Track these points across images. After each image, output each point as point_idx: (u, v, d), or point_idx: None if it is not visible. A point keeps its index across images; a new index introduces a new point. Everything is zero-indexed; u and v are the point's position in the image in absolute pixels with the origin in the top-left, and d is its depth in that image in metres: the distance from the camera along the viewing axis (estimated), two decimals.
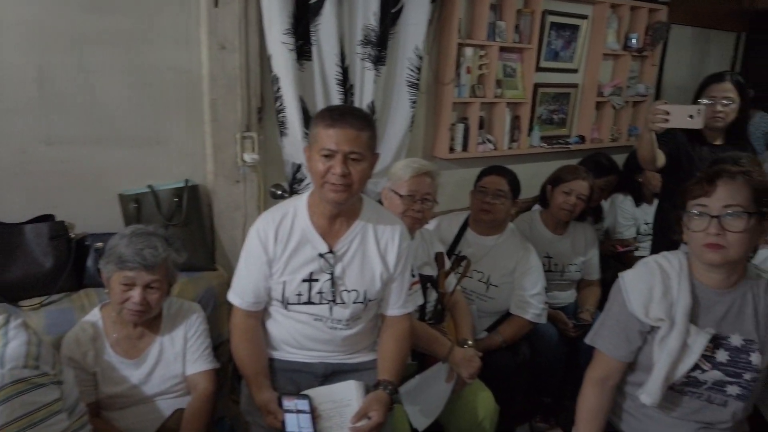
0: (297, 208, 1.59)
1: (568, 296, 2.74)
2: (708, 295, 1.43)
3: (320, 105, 2.33)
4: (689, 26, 4.04)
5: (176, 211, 2.09)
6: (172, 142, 2.14)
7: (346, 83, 2.40)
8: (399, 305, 1.67)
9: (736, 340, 1.41)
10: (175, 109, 2.12)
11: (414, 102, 2.58)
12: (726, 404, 1.44)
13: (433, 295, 2.03)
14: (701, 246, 1.38)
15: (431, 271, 2.08)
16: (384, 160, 2.61)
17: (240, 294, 1.63)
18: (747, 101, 2.51)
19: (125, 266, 1.56)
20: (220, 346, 1.96)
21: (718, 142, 2.49)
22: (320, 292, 1.58)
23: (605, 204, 3.18)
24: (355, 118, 1.46)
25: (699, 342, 1.39)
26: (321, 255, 1.56)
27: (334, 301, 1.58)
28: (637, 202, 3.12)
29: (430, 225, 2.46)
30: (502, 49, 3.03)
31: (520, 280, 2.31)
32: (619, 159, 3.69)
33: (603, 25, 3.40)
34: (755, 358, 1.40)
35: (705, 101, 2.46)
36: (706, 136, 2.44)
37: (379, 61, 2.46)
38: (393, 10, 2.46)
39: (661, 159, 2.34)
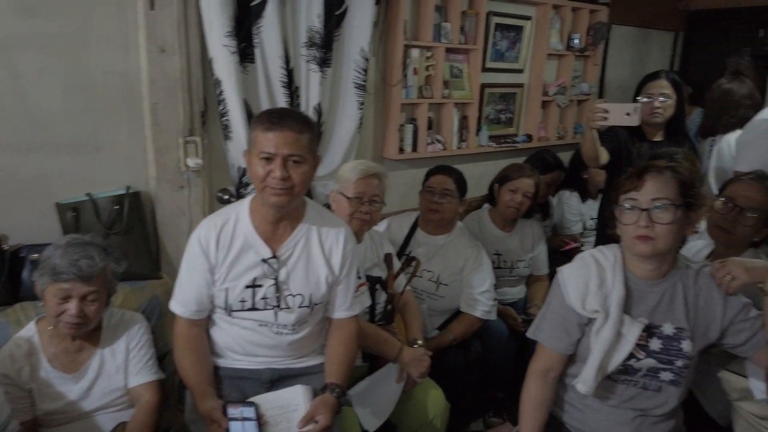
0: (239, 214, 1.58)
1: (517, 292, 2.80)
2: (640, 286, 1.49)
3: (265, 108, 2.30)
4: (629, 26, 4.18)
5: (117, 219, 2.03)
6: (112, 148, 2.08)
7: (291, 85, 2.39)
8: (345, 308, 1.67)
9: (668, 329, 1.47)
10: (113, 114, 2.06)
11: (362, 103, 2.59)
12: (660, 390, 1.50)
13: (382, 297, 2.04)
14: (632, 238, 1.43)
15: (381, 272, 2.09)
16: (333, 162, 2.61)
17: (182, 302, 1.59)
18: (683, 98, 2.61)
19: (60, 278, 1.50)
20: (166, 356, 1.92)
21: (657, 138, 2.59)
22: (264, 298, 1.56)
23: (553, 200, 3.26)
24: (294, 121, 1.45)
25: (633, 331, 1.44)
26: (264, 260, 1.55)
27: (278, 306, 1.57)
28: (583, 198, 3.21)
29: (381, 226, 2.48)
30: (448, 50, 3.06)
31: (469, 278, 2.34)
32: (566, 156, 3.79)
33: (546, 26, 3.48)
34: (686, 345, 1.46)
35: (643, 99, 2.56)
36: (646, 132, 2.53)
37: (324, 63, 2.45)
38: (337, 12, 2.46)
39: (603, 156, 2.41)
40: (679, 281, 1.49)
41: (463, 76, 3.21)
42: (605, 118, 2.16)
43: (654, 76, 2.59)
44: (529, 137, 3.67)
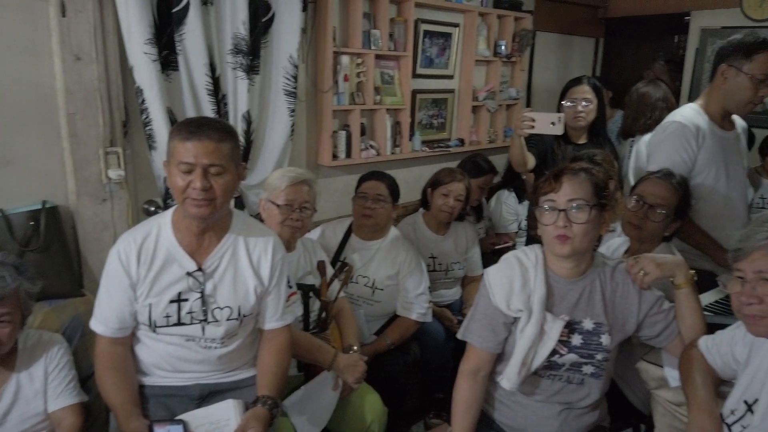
0: (161, 227, 1.53)
1: (453, 294, 2.85)
2: (561, 284, 1.54)
3: (191, 116, 2.25)
4: (553, 33, 4.35)
5: (33, 236, 1.93)
6: (25, 161, 1.98)
7: (218, 93, 2.35)
8: (276, 318, 1.64)
9: (588, 324, 1.53)
10: (25, 126, 1.96)
11: (292, 110, 2.57)
12: (583, 383, 1.56)
13: (316, 304, 2.03)
14: (552, 238, 1.48)
15: (314, 280, 2.07)
16: (265, 170, 2.58)
17: (103, 321, 1.53)
18: (603, 102, 2.75)
19: None
20: (91, 377, 1.84)
21: (581, 141, 2.70)
22: (190, 312, 1.52)
23: (491, 201, 3.33)
24: (214, 130, 1.42)
25: (555, 328, 1.49)
26: (189, 273, 1.50)
27: (206, 320, 1.53)
28: (520, 198, 3.30)
29: (314, 233, 2.46)
30: (379, 57, 3.09)
31: (404, 282, 2.36)
32: (498, 159, 3.90)
33: (473, 33, 3.57)
34: (605, 339, 1.52)
35: (567, 103, 2.67)
36: (570, 135, 2.64)
37: (252, 70, 2.42)
38: (264, 19, 2.44)
39: (531, 161, 2.50)
40: (597, 278, 1.55)
41: (395, 82, 3.24)
42: (532, 126, 2.26)
43: (576, 81, 2.71)
44: (462, 141, 3.75)
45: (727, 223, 2.06)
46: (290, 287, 1.68)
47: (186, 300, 1.51)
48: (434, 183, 2.72)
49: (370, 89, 3.06)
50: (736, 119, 2.19)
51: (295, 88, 2.55)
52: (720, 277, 2.01)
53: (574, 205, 1.45)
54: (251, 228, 1.61)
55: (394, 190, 2.42)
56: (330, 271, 2.15)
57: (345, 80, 2.93)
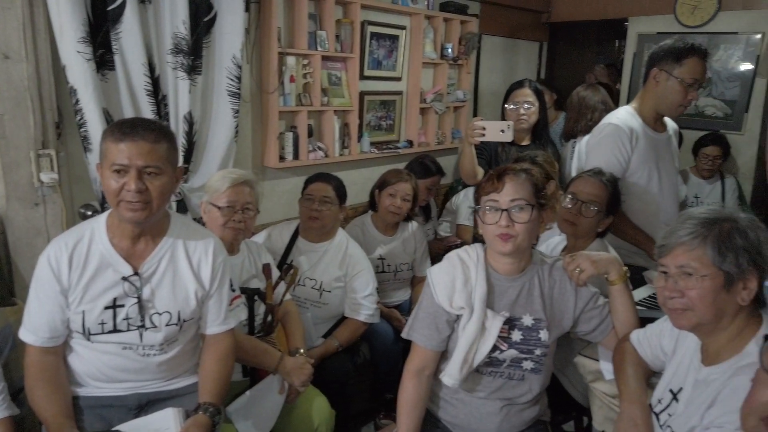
0: (94, 231, 1.48)
1: (402, 294, 2.87)
2: (501, 281, 1.58)
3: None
4: (498, 37, 4.43)
5: None
6: None
7: (157, 94, 2.29)
8: (219, 322, 1.61)
9: (527, 320, 1.57)
10: None
11: (236, 111, 2.53)
12: (523, 379, 1.60)
13: (261, 308, 2.01)
14: (494, 237, 1.51)
15: (259, 283, 2.05)
16: (209, 172, 2.52)
17: (33, 330, 1.47)
18: (544, 104, 2.83)
19: None
20: (23, 390, 1.75)
21: (525, 143, 2.78)
22: (127, 319, 1.48)
23: (460, 195, 3.34)
24: (148, 130, 1.38)
25: (495, 325, 1.52)
26: (125, 278, 1.46)
27: (143, 326, 1.49)
28: None
29: (260, 236, 2.44)
30: (325, 58, 3.08)
31: (351, 284, 2.36)
32: (446, 160, 3.96)
33: (420, 36, 3.60)
34: (543, 335, 1.57)
35: (510, 106, 2.74)
36: (514, 137, 2.70)
37: (194, 70, 2.37)
38: (206, 19, 2.39)
39: (480, 172, 2.55)
40: (536, 275, 1.59)
41: (342, 83, 3.24)
42: (483, 135, 2.32)
43: (519, 84, 2.79)
44: (410, 143, 3.78)
45: (660, 220, 2.16)
46: (233, 291, 1.65)
47: (122, 306, 1.47)
48: (381, 184, 2.74)
49: (317, 90, 3.04)
50: (668, 121, 2.29)
51: (238, 88, 2.51)
52: (646, 273, 2.10)
53: (516, 205, 1.49)
54: (190, 231, 1.57)
55: (341, 192, 2.42)
56: (276, 273, 2.13)
57: (291, 81, 2.90)
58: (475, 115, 4.33)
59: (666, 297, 1.26)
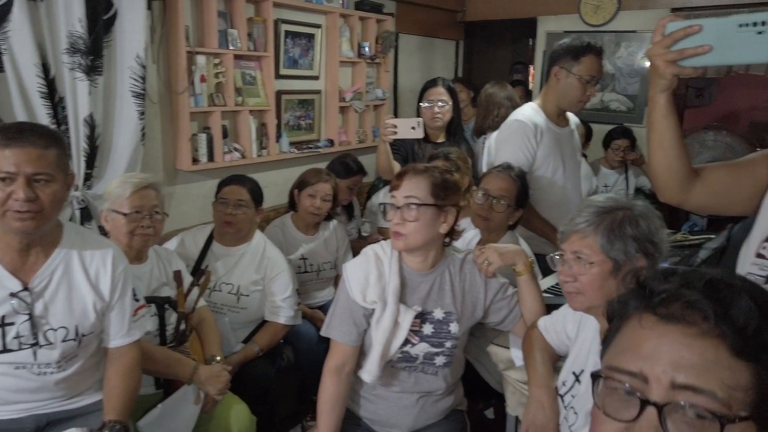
0: None
1: (326, 294, 2.85)
2: (413, 276, 1.60)
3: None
4: (415, 35, 4.49)
5: None
6: None
7: (54, 96, 2.16)
8: (122, 334, 1.54)
9: (438, 314, 1.60)
10: None
11: (142, 113, 2.43)
12: (437, 374, 1.63)
13: (173, 317, 1.93)
14: (391, 233, 1.54)
15: (170, 291, 1.97)
16: (116, 176, 2.40)
17: None
18: (458, 102, 2.90)
19: None
20: None
21: (440, 140, 2.83)
22: (18, 337, 1.38)
23: (380, 194, 3.33)
24: (37, 136, 1.30)
25: (407, 319, 1.54)
26: (13, 294, 1.36)
27: (37, 344, 1.40)
28: None
29: (172, 243, 2.35)
30: (238, 57, 3.01)
31: (270, 287, 2.32)
32: (368, 159, 3.96)
33: (336, 34, 3.60)
34: (454, 327, 1.60)
35: (425, 104, 2.79)
36: (429, 135, 2.76)
37: (93, 70, 2.26)
38: (105, 17, 2.29)
39: (396, 167, 2.57)
40: (447, 270, 1.63)
41: (257, 83, 3.18)
42: (395, 132, 2.35)
43: (432, 83, 2.84)
44: (331, 142, 3.77)
45: (565, 211, 2.25)
46: (137, 300, 1.58)
47: (11, 324, 1.37)
48: (300, 184, 2.71)
49: (231, 90, 2.97)
50: (570, 116, 2.40)
51: (143, 89, 2.41)
52: (548, 256, 2.19)
53: (408, 203, 1.50)
54: (86, 240, 1.49)
55: (256, 195, 2.37)
56: (189, 280, 2.06)
57: (202, 81, 2.82)
58: (395, 112, 4.38)
59: (562, 281, 1.32)
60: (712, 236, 2.21)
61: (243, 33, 2.98)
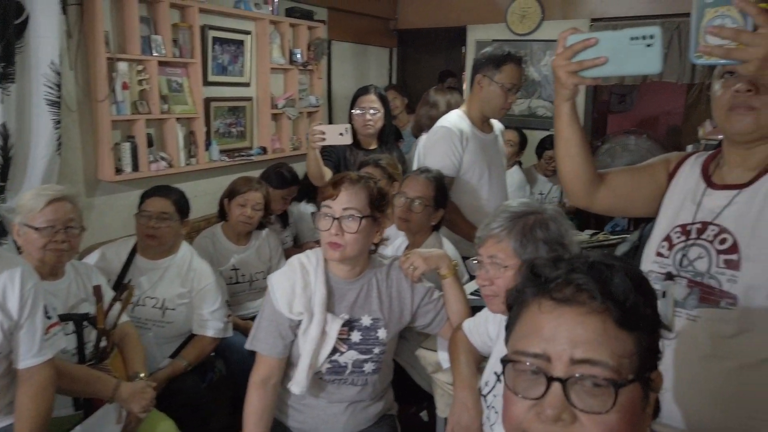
0: None
1: (259, 305, 2.78)
2: (341, 285, 1.60)
3: None
4: (348, 42, 4.52)
5: None
6: None
7: None
8: (33, 354, 1.46)
9: (366, 321, 1.61)
10: None
11: (58, 122, 2.33)
12: (366, 383, 1.64)
13: (93, 334, 1.86)
14: (325, 243, 1.53)
15: (90, 307, 1.90)
16: (32, 188, 2.29)
17: None
18: (389, 110, 2.93)
19: None
20: None
21: (372, 147, 2.85)
22: None
23: (294, 210, 3.32)
24: None
25: (334, 327, 1.54)
26: None
27: None
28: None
29: (92, 257, 2.26)
30: (163, 64, 2.94)
31: (197, 299, 2.27)
32: (304, 166, 3.93)
33: (266, 41, 3.57)
34: (381, 333, 1.62)
35: (357, 111, 2.80)
36: (361, 142, 2.77)
37: (5, 78, 2.15)
38: (16, 21, 2.18)
39: (328, 174, 2.56)
40: (374, 277, 1.64)
41: (184, 90, 3.11)
42: (323, 139, 2.34)
43: (364, 90, 2.85)
44: (264, 150, 3.73)
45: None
46: (49, 318, 1.51)
47: None
48: (230, 193, 2.66)
49: (156, 98, 2.89)
50: (495, 122, 2.48)
51: (59, 97, 2.31)
52: (467, 262, 2.26)
53: (347, 215, 1.50)
54: None
55: (182, 206, 2.30)
56: (111, 295, 1.98)
57: (124, 88, 2.72)
58: (329, 119, 4.38)
59: (480, 285, 1.36)
60: (628, 236, 2.33)
61: (168, 39, 2.91)
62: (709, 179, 1.21)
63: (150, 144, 2.94)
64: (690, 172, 1.27)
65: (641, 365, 0.65)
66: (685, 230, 1.20)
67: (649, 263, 1.29)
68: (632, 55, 1.02)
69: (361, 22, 4.57)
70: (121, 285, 2.13)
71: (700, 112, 4.61)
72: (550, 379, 0.65)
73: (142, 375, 1.88)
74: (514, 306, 0.74)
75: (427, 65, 5.88)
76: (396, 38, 5.15)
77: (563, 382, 0.64)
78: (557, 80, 1.15)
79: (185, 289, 2.26)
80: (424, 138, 2.99)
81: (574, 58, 1.08)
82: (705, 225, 1.16)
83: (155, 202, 2.23)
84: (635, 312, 0.65)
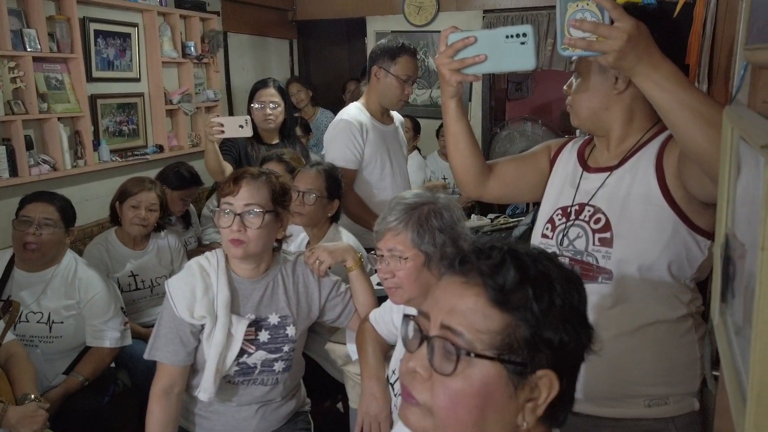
0: None
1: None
2: (245, 285, 1.57)
3: None
4: (245, 34, 4.39)
5: None
6: None
7: None
8: None
9: (273, 319, 1.59)
10: None
11: None
12: (277, 382, 1.61)
13: None
14: (227, 241, 1.49)
15: None
16: None
17: None
18: (289, 103, 2.88)
19: None
20: None
21: (274, 141, 2.79)
22: None
23: (211, 202, 3.19)
24: None
25: (240, 329, 1.51)
26: None
27: None
28: None
29: None
30: (39, 60, 2.72)
31: (87, 310, 2.14)
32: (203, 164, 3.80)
33: (155, 33, 3.39)
34: (290, 330, 1.60)
35: (256, 105, 2.73)
36: (263, 137, 2.71)
37: None
38: None
39: (228, 168, 2.48)
40: (279, 274, 1.62)
41: (65, 87, 2.89)
42: (222, 131, 2.25)
43: (263, 84, 2.79)
44: (160, 148, 3.55)
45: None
46: None
47: None
48: (121, 195, 2.52)
49: (33, 96, 2.67)
50: (394, 114, 2.51)
51: None
52: (368, 256, 2.29)
53: (250, 210, 1.48)
54: None
55: (66, 214, 2.15)
56: None
57: None
58: (230, 113, 4.25)
59: (382, 278, 1.37)
60: (523, 218, 2.46)
61: (43, 33, 2.69)
62: (585, 163, 1.30)
63: (29, 146, 2.71)
64: (568, 157, 1.35)
65: (507, 348, 0.69)
66: (565, 212, 1.27)
67: (536, 244, 1.36)
68: (508, 53, 1.07)
69: (257, 13, 4.46)
70: (2, 301, 1.96)
71: None
72: (425, 337, 0.72)
73: (32, 396, 1.75)
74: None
75: (330, 57, 5.84)
76: (296, 29, 5.06)
77: (428, 340, 0.71)
78: (441, 78, 1.18)
79: (72, 300, 2.12)
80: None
81: (456, 57, 1.11)
82: (582, 206, 1.24)
83: (37, 207, 2.07)
84: (513, 297, 0.69)
